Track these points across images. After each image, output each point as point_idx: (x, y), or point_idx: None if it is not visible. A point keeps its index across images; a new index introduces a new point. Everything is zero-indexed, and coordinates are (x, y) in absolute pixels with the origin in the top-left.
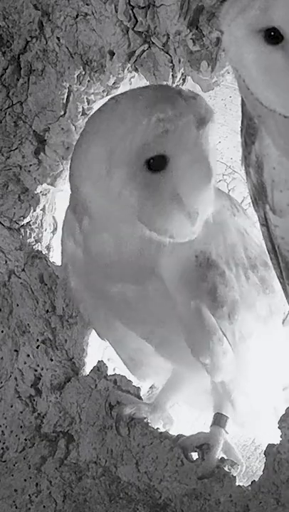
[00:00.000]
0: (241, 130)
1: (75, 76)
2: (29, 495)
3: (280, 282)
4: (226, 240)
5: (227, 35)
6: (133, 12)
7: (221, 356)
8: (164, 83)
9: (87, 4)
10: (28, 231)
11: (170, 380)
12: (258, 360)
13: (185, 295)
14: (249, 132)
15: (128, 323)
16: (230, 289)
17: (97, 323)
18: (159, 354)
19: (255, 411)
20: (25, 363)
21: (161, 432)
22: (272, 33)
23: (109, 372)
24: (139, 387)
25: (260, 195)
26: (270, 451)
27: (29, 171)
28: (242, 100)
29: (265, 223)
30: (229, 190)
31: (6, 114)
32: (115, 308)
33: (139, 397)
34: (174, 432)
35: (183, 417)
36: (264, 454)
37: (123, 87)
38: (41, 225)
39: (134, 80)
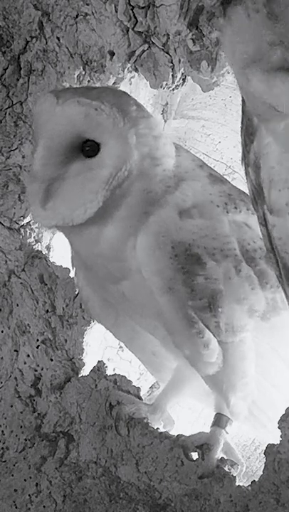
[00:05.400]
0: (241, 129)
1: (75, 76)
2: (29, 495)
3: (280, 282)
4: (214, 232)
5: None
6: (133, 12)
7: (202, 348)
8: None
9: (87, 4)
10: (28, 231)
11: (171, 380)
12: (261, 355)
13: (160, 286)
14: (248, 131)
15: (133, 318)
16: (212, 281)
17: (108, 322)
18: (165, 349)
19: (254, 408)
20: (25, 363)
21: (161, 432)
22: None
23: (109, 372)
24: (139, 387)
25: (259, 195)
26: (270, 451)
27: (29, 171)
28: (242, 100)
29: (264, 223)
30: None
31: (6, 114)
32: (116, 303)
33: (139, 397)
34: (174, 432)
35: (183, 417)
36: (264, 454)
37: (123, 87)
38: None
39: (134, 80)
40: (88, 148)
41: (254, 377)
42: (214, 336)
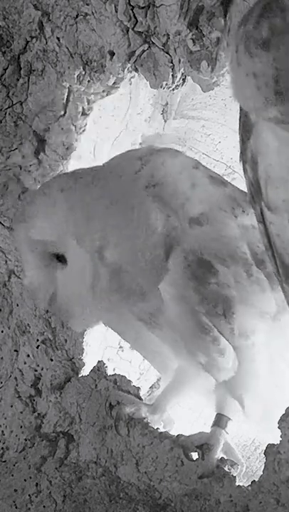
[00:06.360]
0: (239, 126)
1: (75, 76)
2: (29, 495)
3: (278, 280)
4: (223, 238)
5: None
6: (133, 12)
7: (218, 355)
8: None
9: (87, 4)
10: None
11: (172, 381)
12: (270, 356)
13: (174, 296)
14: (245, 128)
15: (137, 316)
16: (224, 287)
17: (112, 322)
18: (167, 349)
19: (267, 409)
20: (25, 363)
21: (161, 432)
22: None
23: (109, 372)
24: (139, 387)
25: (256, 192)
26: (270, 451)
27: (29, 171)
28: None
29: (261, 220)
30: None
31: (6, 114)
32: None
33: (139, 397)
34: (174, 432)
35: (183, 417)
36: (264, 454)
37: (123, 87)
38: None
39: (134, 80)
40: (59, 256)
41: (267, 379)
42: (228, 341)
